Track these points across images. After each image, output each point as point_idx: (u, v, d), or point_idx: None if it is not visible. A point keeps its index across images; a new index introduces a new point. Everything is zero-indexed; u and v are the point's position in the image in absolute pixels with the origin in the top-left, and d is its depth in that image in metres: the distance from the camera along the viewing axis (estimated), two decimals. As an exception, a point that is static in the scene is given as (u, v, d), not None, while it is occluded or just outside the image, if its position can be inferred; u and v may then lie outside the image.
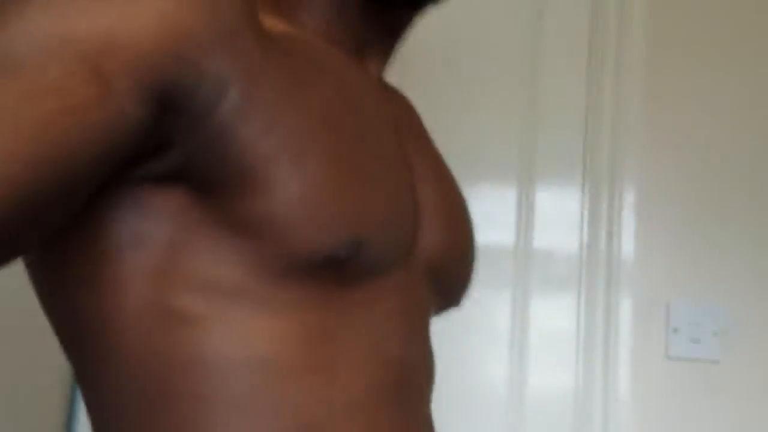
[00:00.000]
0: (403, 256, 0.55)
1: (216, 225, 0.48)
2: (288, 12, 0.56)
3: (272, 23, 0.52)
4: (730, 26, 1.56)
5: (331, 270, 0.49)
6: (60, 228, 0.46)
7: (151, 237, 0.47)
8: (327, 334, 0.50)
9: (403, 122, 0.64)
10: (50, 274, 0.51)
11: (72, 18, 0.43)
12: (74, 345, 0.51)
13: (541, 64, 1.55)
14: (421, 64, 1.42)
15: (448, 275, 0.62)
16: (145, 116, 0.44)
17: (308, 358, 0.49)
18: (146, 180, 0.48)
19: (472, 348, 1.48)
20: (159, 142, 0.47)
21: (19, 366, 1.23)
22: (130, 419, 0.48)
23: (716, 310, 1.48)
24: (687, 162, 1.53)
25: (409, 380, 0.55)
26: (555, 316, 1.53)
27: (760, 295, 1.49)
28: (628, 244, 1.50)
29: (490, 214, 1.49)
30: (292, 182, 0.48)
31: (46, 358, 1.34)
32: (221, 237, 0.48)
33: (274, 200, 0.47)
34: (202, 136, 0.46)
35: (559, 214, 1.55)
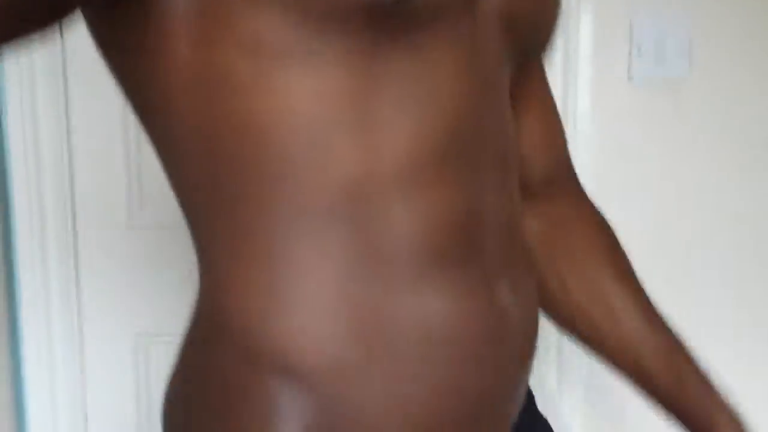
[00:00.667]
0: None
1: None
2: None
3: None
4: None
5: (378, 19, 0.44)
6: None
7: (194, 2, 0.45)
8: (376, 91, 0.46)
9: None
10: (109, 36, 0.49)
11: None
12: (141, 110, 0.50)
13: None
14: None
15: (528, 21, 0.54)
16: None
17: (357, 114, 0.46)
18: None
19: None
20: None
21: None
22: (196, 188, 0.48)
23: (682, 23, 1.36)
24: None
25: (478, 143, 0.50)
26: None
27: (729, 2, 1.37)
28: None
29: None
30: None
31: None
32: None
33: None
34: None
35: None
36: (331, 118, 0.46)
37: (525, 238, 0.56)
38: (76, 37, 1.36)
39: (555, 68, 1.38)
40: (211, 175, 0.47)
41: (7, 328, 1.40)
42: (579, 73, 1.36)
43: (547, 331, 1.43)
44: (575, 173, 0.69)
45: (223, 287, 0.47)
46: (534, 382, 1.39)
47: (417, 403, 0.47)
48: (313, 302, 0.46)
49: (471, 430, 0.50)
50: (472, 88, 0.50)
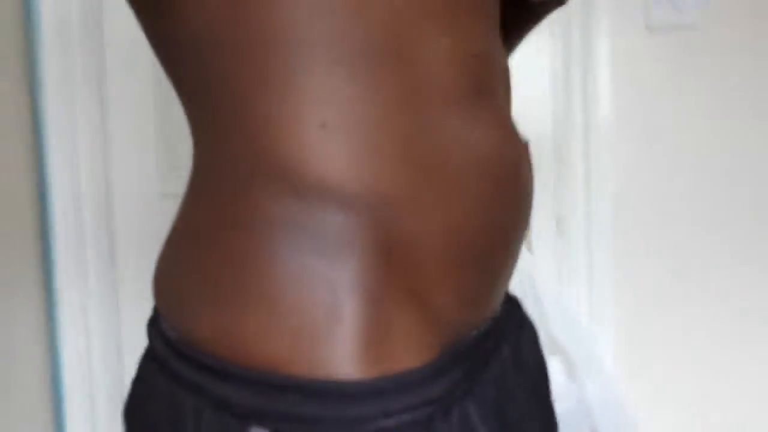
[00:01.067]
0: None
1: None
2: None
3: None
4: None
5: None
6: None
7: None
8: None
9: None
10: None
11: None
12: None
13: None
14: None
15: None
16: None
17: None
18: None
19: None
20: None
21: None
22: (214, 38, 0.48)
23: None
24: None
25: None
26: None
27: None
28: None
29: None
30: None
31: None
32: None
33: None
34: None
35: None
36: None
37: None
38: (114, 9, 1.38)
39: (574, 16, 1.42)
40: (241, 21, 0.47)
41: (44, 298, 1.42)
42: (599, 20, 1.40)
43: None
44: None
45: (259, 126, 0.47)
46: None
47: (469, 223, 0.50)
48: (365, 136, 0.47)
49: (508, 251, 0.55)
50: None
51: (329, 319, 0.46)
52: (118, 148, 1.42)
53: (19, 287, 1.35)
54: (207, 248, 0.50)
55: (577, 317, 1.44)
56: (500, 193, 0.52)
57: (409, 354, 0.47)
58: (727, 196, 1.50)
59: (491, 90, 0.54)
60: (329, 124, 0.47)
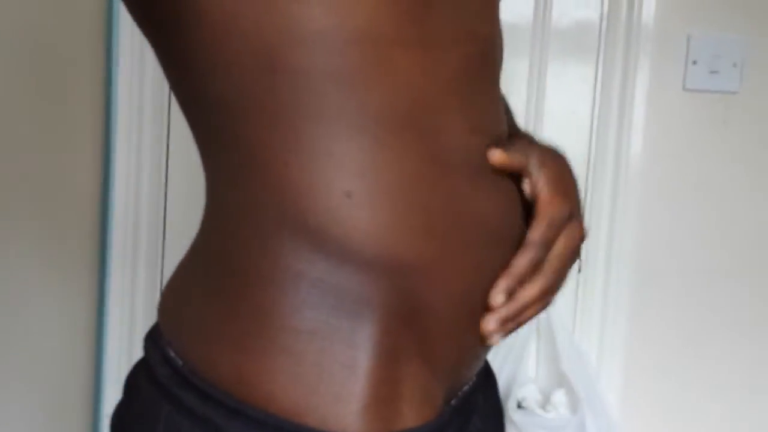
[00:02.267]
0: None
1: None
2: None
3: None
4: None
5: None
6: None
7: None
8: (425, 8, 0.50)
9: None
10: None
11: None
12: (169, 29, 0.50)
13: None
14: None
15: None
16: None
17: (411, 31, 0.49)
18: None
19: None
20: None
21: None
22: (240, 100, 0.49)
23: (737, 40, 1.47)
24: None
25: (491, 57, 0.57)
26: (575, 50, 1.53)
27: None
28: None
29: None
30: None
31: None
32: None
33: None
34: None
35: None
36: (388, 34, 0.48)
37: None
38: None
39: (614, 75, 1.49)
40: (271, 89, 0.48)
41: (96, 291, 1.51)
42: (638, 75, 1.48)
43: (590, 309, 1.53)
44: None
45: (284, 187, 0.48)
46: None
47: (479, 289, 0.53)
48: (389, 206, 0.49)
49: None
50: (490, 10, 0.56)
51: (345, 375, 0.48)
52: (177, 149, 1.52)
53: (74, 276, 1.42)
54: (228, 292, 0.51)
55: (588, 354, 1.50)
56: (505, 259, 0.55)
57: (416, 413, 0.51)
58: (749, 260, 1.55)
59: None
60: (354, 193, 0.48)
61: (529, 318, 0.55)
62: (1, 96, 1.16)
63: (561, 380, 1.41)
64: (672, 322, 1.55)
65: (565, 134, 1.53)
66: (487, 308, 0.53)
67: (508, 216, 0.55)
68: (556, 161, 0.58)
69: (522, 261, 0.53)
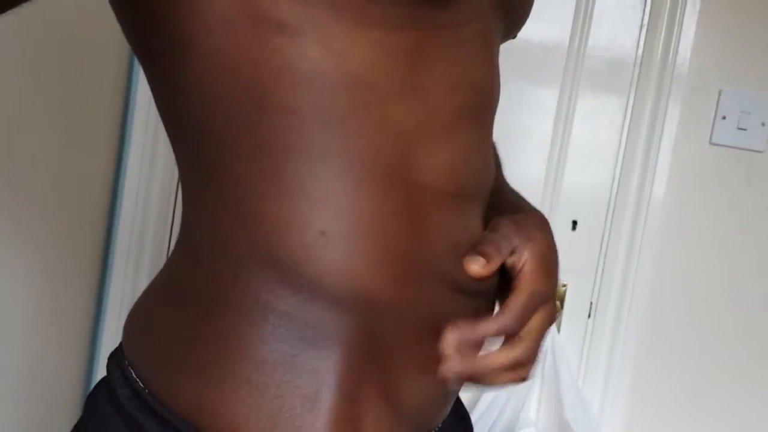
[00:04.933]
0: None
1: None
2: None
3: None
4: None
5: None
6: None
7: None
8: (419, 57, 0.49)
9: None
10: None
11: None
12: (162, 57, 0.50)
13: None
14: None
15: (514, 4, 0.61)
16: None
17: (404, 79, 0.49)
18: None
19: (512, 142, 1.49)
20: None
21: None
22: (224, 133, 0.48)
23: (766, 99, 1.46)
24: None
25: (485, 106, 0.57)
26: (606, 90, 1.52)
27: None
28: (688, 28, 1.46)
29: (547, 7, 1.45)
30: None
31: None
32: None
33: None
34: None
35: (620, 2, 1.50)
36: (381, 82, 0.48)
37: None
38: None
39: (642, 121, 1.48)
40: (257, 125, 0.47)
41: (97, 288, 1.51)
42: (665, 127, 1.47)
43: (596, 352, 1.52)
44: None
45: (259, 220, 0.48)
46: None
47: (436, 331, 0.51)
48: (363, 248, 0.49)
49: None
50: (486, 60, 0.56)
51: (307, 409, 0.48)
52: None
53: (75, 275, 1.42)
54: (194, 318, 0.51)
55: (590, 401, 1.48)
56: (475, 310, 0.55)
57: None
58: (759, 321, 1.53)
59: (480, 195, 0.57)
60: (329, 233, 0.48)
61: (499, 383, 0.53)
62: (20, 96, 1.15)
63: (563, 427, 1.39)
64: (677, 377, 1.53)
65: (589, 172, 1.52)
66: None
67: (466, 251, 0.54)
68: (543, 235, 0.57)
69: (492, 324, 0.52)
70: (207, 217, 0.51)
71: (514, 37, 0.64)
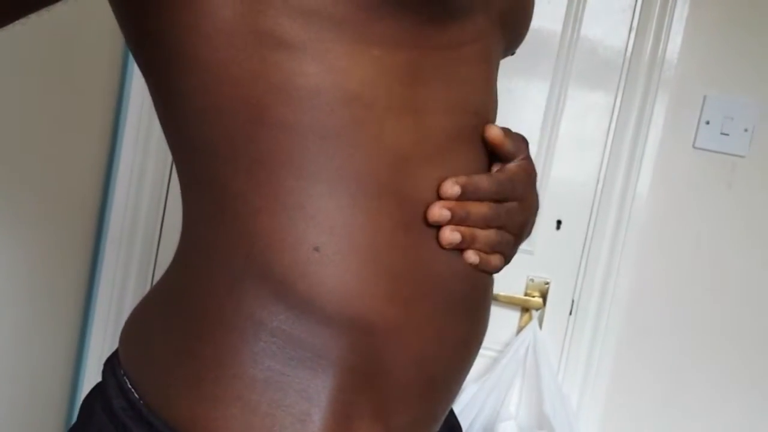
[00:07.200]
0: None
1: None
2: None
3: None
4: None
5: (424, 4, 0.49)
6: None
7: None
8: (418, 77, 0.50)
9: None
10: None
11: None
12: (164, 69, 0.50)
13: None
14: None
15: (515, 22, 0.61)
16: None
17: (402, 98, 0.49)
18: None
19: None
20: None
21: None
22: (224, 146, 0.48)
23: (751, 105, 1.49)
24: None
25: (482, 120, 0.57)
26: (594, 91, 1.54)
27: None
28: (676, 34, 1.48)
29: (539, 6, 1.47)
30: None
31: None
32: None
33: None
34: None
35: (611, 5, 1.53)
36: (379, 100, 0.48)
37: None
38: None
39: (629, 122, 1.51)
40: (249, 136, 0.48)
41: (84, 295, 1.51)
42: (650, 130, 1.50)
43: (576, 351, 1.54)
44: None
45: (254, 235, 0.48)
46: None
47: (439, 357, 0.52)
48: (356, 266, 0.49)
49: (461, 378, 0.57)
50: (485, 81, 0.56)
51: (297, 428, 0.48)
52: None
53: (64, 279, 1.41)
54: (190, 332, 0.51)
55: (569, 397, 1.50)
56: (469, 326, 0.55)
57: None
58: (738, 322, 1.56)
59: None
60: (323, 249, 0.48)
61: (478, 242, 0.54)
62: (15, 91, 1.15)
63: (542, 421, 1.42)
64: (655, 376, 1.56)
65: (574, 173, 1.55)
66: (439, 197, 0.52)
67: (474, 290, 0.55)
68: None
69: (485, 177, 0.54)
70: (205, 231, 0.51)
71: (513, 53, 0.65)
